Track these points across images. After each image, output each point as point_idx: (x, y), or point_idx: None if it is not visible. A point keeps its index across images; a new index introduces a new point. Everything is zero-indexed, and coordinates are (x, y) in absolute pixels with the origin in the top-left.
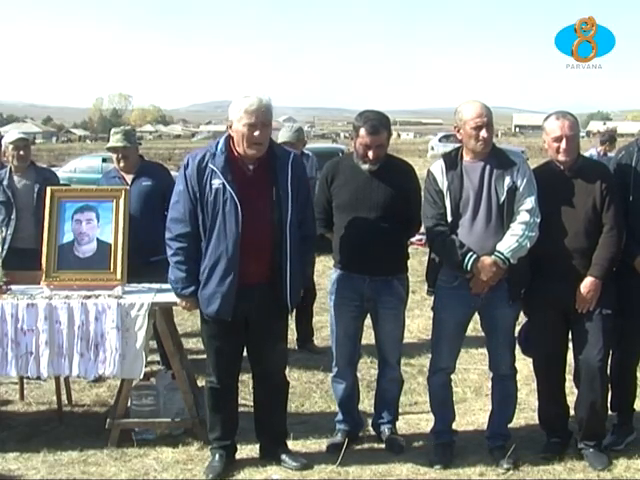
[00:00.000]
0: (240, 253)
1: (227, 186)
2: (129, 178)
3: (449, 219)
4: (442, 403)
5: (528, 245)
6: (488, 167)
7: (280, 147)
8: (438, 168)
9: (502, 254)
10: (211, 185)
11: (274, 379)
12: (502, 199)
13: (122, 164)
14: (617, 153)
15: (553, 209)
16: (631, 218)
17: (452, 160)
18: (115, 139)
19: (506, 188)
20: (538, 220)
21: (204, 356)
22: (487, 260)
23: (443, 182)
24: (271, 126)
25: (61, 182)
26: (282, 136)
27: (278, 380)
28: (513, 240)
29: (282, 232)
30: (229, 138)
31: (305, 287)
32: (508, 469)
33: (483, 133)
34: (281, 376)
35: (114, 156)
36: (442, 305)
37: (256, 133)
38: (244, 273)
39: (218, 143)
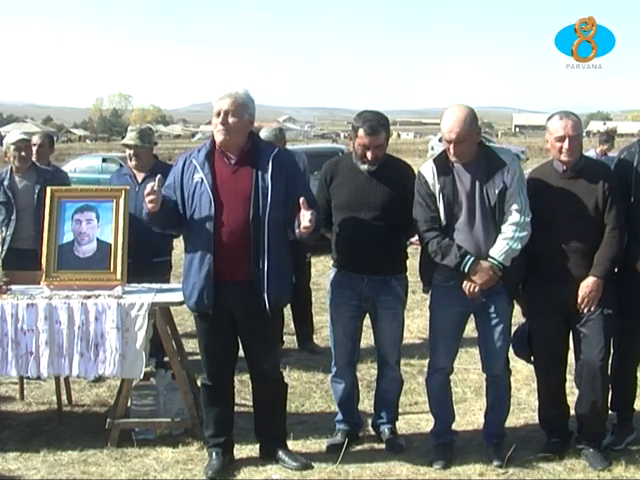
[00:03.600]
0: (217, 247)
1: (204, 180)
2: (140, 177)
3: (443, 222)
4: (441, 404)
5: (519, 246)
6: (479, 170)
7: (265, 143)
8: (429, 171)
9: (495, 259)
10: (193, 179)
11: (270, 379)
12: (493, 202)
13: (133, 162)
14: (619, 153)
15: (555, 209)
16: (633, 219)
17: (443, 163)
18: (129, 137)
19: (497, 190)
20: (528, 219)
21: None
22: (485, 264)
23: (435, 185)
24: (240, 116)
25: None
26: (261, 135)
27: (275, 380)
28: (504, 244)
29: (259, 228)
30: None
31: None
32: (500, 465)
33: (452, 148)
34: (277, 376)
35: (127, 152)
36: (438, 304)
37: (219, 119)
38: (223, 268)
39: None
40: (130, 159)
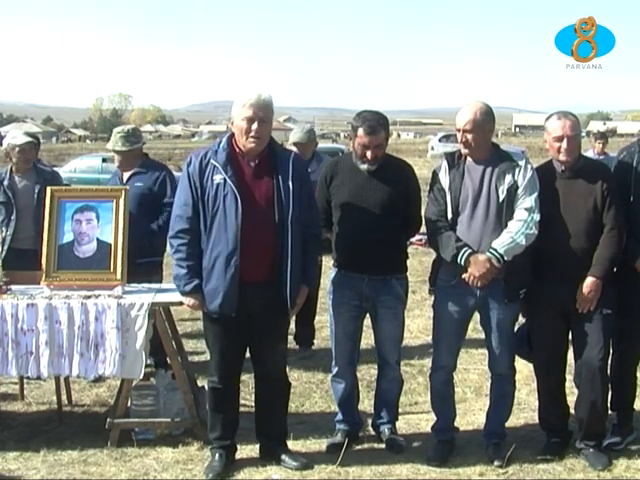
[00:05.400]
0: (241, 249)
1: (228, 181)
2: (125, 176)
3: (449, 216)
4: (443, 401)
5: (523, 242)
6: (490, 167)
7: (280, 146)
8: (442, 167)
9: (496, 251)
10: (212, 181)
11: (275, 379)
12: (502, 198)
13: (116, 163)
14: (619, 153)
15: (554, 209)
16: (632, 219)
17: (455, 159)
18: (112, 142)
19: (506, 187)
20: (537, 218)
21: (204, 356)
22: (481, 256)
23: (445, 181)
24: (270, 123)
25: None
26: (294, 137)
27: (279, 380)
28: (507, 237)
29: (283, 229)
30: (232, 136)
31: (310, 287)
32: (500, 466)
33: (460, 136)
34: (282, 376)
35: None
36: (440, 303)
37: (254, 126)
38: (245, 270)
39: (221, 141)
40: (114, 161)
